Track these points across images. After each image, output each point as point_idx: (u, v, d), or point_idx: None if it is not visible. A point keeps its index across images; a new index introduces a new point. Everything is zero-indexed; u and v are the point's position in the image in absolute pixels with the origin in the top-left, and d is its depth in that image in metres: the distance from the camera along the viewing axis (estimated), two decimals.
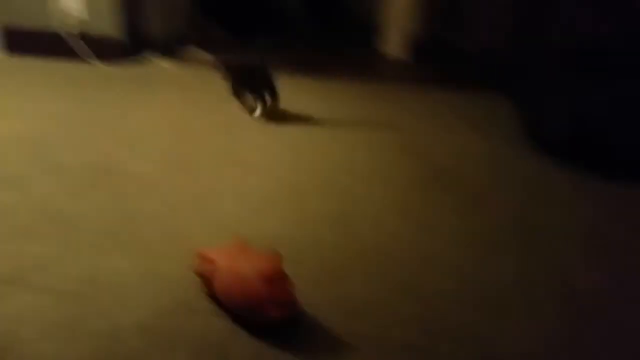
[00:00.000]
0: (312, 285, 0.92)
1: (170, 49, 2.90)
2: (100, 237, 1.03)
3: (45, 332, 0.77)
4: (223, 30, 3.58)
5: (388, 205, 1.25)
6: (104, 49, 2.48)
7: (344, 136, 1.71)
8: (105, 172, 1.32)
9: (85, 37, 2.48)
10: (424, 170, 1.48)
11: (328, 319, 0.84)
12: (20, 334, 0.77)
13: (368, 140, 1.69)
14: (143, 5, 2.65)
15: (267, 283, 0.76)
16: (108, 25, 2.47)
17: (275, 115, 1.85)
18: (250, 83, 1.82)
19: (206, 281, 0.85)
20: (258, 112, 1.83)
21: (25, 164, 1.33)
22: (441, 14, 3.40)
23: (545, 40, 1.64)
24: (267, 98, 1.82)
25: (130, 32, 2.52)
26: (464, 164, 1.55)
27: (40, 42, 2.50)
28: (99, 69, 2.39)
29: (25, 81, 2.10)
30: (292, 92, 2.21)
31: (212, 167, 1.40)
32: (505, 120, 2.00)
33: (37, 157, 1.38)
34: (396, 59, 3.14)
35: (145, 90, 2.11)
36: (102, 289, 0.88)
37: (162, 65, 2.59)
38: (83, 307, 0.83)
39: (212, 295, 0.85)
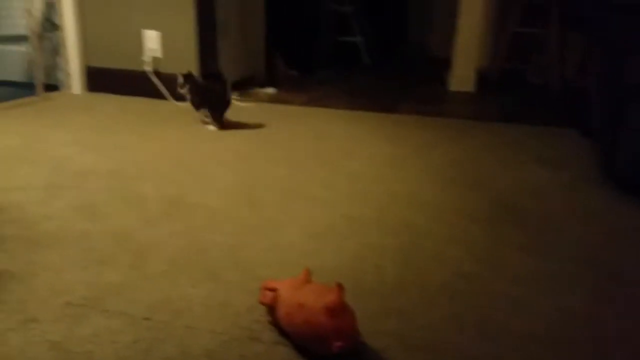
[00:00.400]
0: (374, 318, 0.91)
1: (241, 85, 3.04)
2: (171, 266, 1.08)
3: (119, 355, 0.81)
4: (289, 65, 3.70)
5: (451, 240, 1.23)
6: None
7: (407, 169, 1.71)
8: (176, 203, 1.38)
9: (160, 76, 2.64)
10: (490, 205, 1.44)
11: (389, 352, 0.83)
12: (95, 356, 0.81)
13: (432, 172, 1.68)
14: (216, 46, 2.80)
15: (330, 315, 0.77)
16: (183, 64, 2.62)
17: (228, 125, 2.15)
18: (207, 99, 2.13)
19: (270, 310, 0.87)
20: (211, 127, 2.12)
21: (104, 194, 1.42)
22: (510, 47, 3.36)
23: (618, 74, 1.58)
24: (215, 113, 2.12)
25: (205, 72, 2.66)
26: (532, 199, 1.50)
27: (119, 80, 2.69)
28: (173, 106, 2.54)
29: (105, 117, 2.26)
30: (353, 124, 2.25)
31: (277, 200, 1.44)
32: (577, 154, 1.92)
33: (115, 188, 1.47)
34: (463, 92, 3.12)
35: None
36: (172, 315, 0.91)
37: (234, 103, 2.70)
38: (154, 332, 0.87)
39: (276, 325, 0.86)
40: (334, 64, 4.16)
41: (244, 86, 3.11)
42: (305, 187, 1.53)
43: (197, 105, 2.16)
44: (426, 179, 1.63)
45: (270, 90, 3.07)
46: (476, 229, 1.29)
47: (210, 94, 2.15)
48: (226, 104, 2.16)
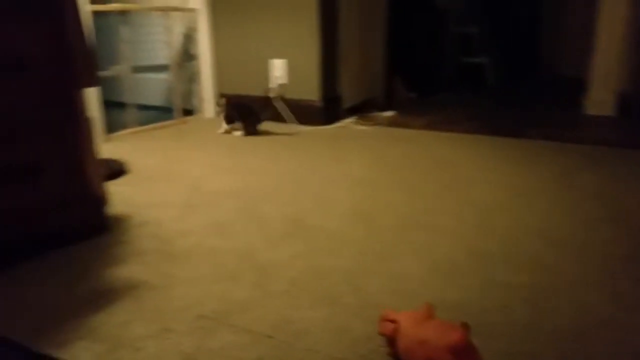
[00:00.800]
0: None
1: (360, 109, 3.09)
2: (292, 286, 1.10)
3: None
4: (408, 88, 3.68)
5: (586, 279, 1.12)
6: (303, 112, 2.74)
7: (538, 199, 1.60)
8: (297, 225, 1.42)
9: (286, 101, 2.77)
10: (629, 240, 1.29)
11: None
12: None
13: (567, 205, 1.55)
14: (338, 72, 2.88)
15: (454, 354, 0.73)
16: (305, 89, 2.73)
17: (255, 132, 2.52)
18: (238, 113, 2.53)
19: (390, 342, 0.85)
20: (238, 133, 2.52)
21: (232, 213, 1.51)
22: None
23: None
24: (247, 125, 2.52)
25: (326, 97, 2.75)
26: None
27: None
28: (298, 130, 2.64)
29: (235, 139, 2.41)
30: (475, 149, 2.16)
31: (396, 226, 1.42)
32: None
33: (242, 207, 1.55)
34: (601, 116, 2.87)
35: (336, 148, 2.25)
36: (293, 336, 0.93)
37: (354, 126, 2.75)
38: (276, 351, 0.89)
39: (395, 357, 0.84)
40: (457, 86, 4.06)
41: (363, 109, 3.15)
42: (426, 215, 1.50)
43: (231, 119, 2.54)
44: (560, 211, 1.51)
45: (389, 114, 3.07)
46: (619, 271, 1.16)
47: (244, 110, 2.54)
48: (258, 120, 2.56)
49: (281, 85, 2.77)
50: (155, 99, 2.99)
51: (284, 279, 1.13)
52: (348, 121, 2.82)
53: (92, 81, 1.46)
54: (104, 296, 1.06)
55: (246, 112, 2.55)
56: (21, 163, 1.18)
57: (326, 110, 2.76)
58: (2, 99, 1.12)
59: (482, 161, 2.04)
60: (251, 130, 2.53)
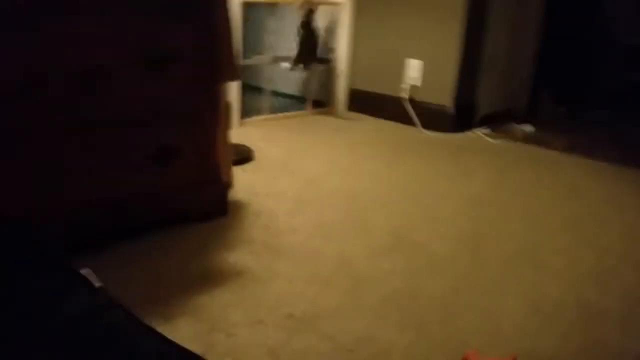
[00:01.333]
0: None
1: (494, 119, 2.94)
2: (383, 303, 1.12)
3: None
4: (557, 101, 3.42)
5: None
6: (432, 116, 2.69)
7: None
8: (401, 238, 1.42)
9: (415, 104, 2.73)
10: None
11: None
12: None
13: None
14: (476, 78, 2.76)
15: None
16: (438, 93, 2.67)
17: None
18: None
19: None
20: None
21: (340, 215, 1.55)
22: None
23: None
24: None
25: (459, 103, 2.66)
26: None
27: (377, 104, 2.88)
28: (423, 135, 2.60)
29: (357, 138, 2.44)
30: (619, 184, 1.96)
31: (505, 257, 1.35)
32: None
33: (351, 211, 1.59)
34: None
35: (459, 161, 2.19)
36: (373, 355, 0.95)
37: (485, 138, 2.64)
38: None
39: None
40: (614, 104, 3.68)
41: (499, 120, 2.99)
42: (540, 250, 1.41)
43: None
44: None
45: (527, 128, 2.88)
46: None
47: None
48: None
49: (413, 87, 2.73)
50: (290, 88, 3.13)
51: (376, 293, 1.15)
52: (480, 131, 2.71)
53: (234, 76, 1.58)
54: (212, 278, 1.17)
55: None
56: (163, 145, 1.32)
57: (457, 117, 2.67)
58: (152, 88, 1.26)
59: (622, 199, 1.84)
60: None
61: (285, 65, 2.62)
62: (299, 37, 2.56)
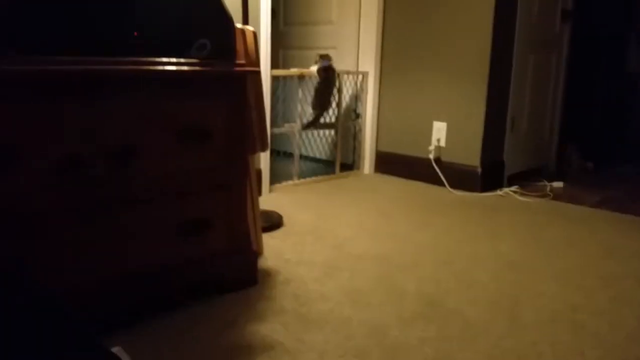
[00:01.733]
0: None
1: (526, 177, 2.93)
2: None
3: None
4: (584, 157, 3.40)
5: None
6: (460, 176, 2.70)
7: None
8: (433, 305, 1.40)
9: (441, 164, 2.75)
10: None
11: None
12: None
13: None
14: (503, 138, 2.78)
15: None
16: (465, 154, 2.69)
17: None
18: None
19: None
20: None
21: (371, 281, 1.54)
22: None
23: None
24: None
25: (486, 163, 2.67)
26: None
27: (403, 165, 2.91)
28: (450, 195, 2.60)
29: (387, 200, 2.46)
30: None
31: (542, 322, 1.31)
32: None
33: (381, 276, 1.58)
34: None
35: (490, 221, 2.17)
36: None
37: (515, 197, 2.62)
38: None
39: None
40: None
41: (530, 178, 2.98)
42: (577, 313, 1.36)
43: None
44: None
45: (557, 185, 2.86)
46: None
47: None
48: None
49: (440, 148, 2.76)
50: (319, 153, 3.21)
51: None
52: (509, 190, 2.69)
53: (264, 146, 1.64)
54: (243, 353, 1.16)
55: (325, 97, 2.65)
56: (194, 218, 1.36)
57: (485, 176, 2.67)
58: (186, 163, 1.31)
59: None
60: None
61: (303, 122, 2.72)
62: (315, 90, 2.67)
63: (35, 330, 0.93)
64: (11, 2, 1.03)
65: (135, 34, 1.20)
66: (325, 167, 3.09)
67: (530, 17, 2.80)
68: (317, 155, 3.22)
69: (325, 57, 2.66)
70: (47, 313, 1.02)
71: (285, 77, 2.74)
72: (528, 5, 2.75)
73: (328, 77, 2.67)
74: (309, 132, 2.89)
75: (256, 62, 1.58)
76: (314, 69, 2.65)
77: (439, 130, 2.76)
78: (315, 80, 2.66)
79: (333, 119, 2.87)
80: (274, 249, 1.77)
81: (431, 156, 2.76)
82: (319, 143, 3.15)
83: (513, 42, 2.70)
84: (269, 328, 1.26)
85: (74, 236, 1.15)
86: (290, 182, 2.70)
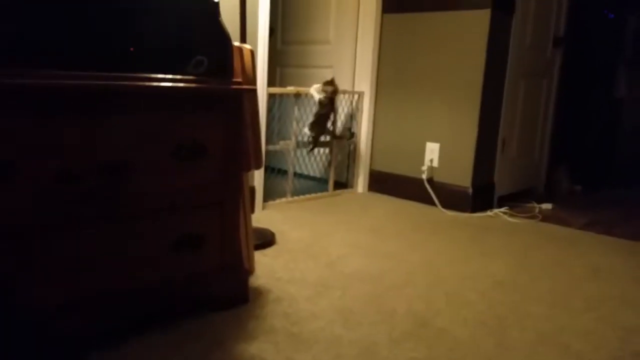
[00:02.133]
0: None
1: (515, 198, 2.97)
2: None
3: None
4: (573, 179, 3.45)
5: None
6: (451, 197, 2.73)
7: None
8: (423, 324, 1.42)
9: (433, 184, 2.79)
10: None
11: None
12: None
13: None
14: (494, 159, 2.83)
15: None
16: (456, 174, 2.73)
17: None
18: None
19: None
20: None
21: (361, 300, 1.56)
22: None
23: None
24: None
25: (477, 184, 2.71)
26: None
27: (396, 184, 2.94)
28: (442, 215, 2.63)
29: (380, 219, 2.48)
30: None
31: (529, 342, 1.33)
32: None
33: (372, 295, 1.60)
34: None
35: (480, 241, 2.20)
36: None
37: (504, 217, 2.66)
38: None
39: None
40: (629, 181, 3.69)
41: (520, 199, 3.02)
42: (564, 334, 1.39)
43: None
44: None
45: (546, 207, 2.90)
46: None
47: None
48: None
49: (432, 168, 2.80)
50: (313, 170, 3.23)
51: None
52: (499, 211, 2.73)
53: (258, 165, 1.67)
54: None
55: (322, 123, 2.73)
56: (187, 234, 1.38)
57: (476, 197, 2.71)
58: (181, 180, 1.33)
59: None
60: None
61: (307, 130, 2.76)
62: (316, 110, 2.71)
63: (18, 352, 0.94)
64: (9, 16, 1.05)
65: (132, 49, 1.22)
66: (318, 185, 3.11)
67: (523, 43, 2.87)
68: (311, 173, 3.25)
69: (329, 84, 2.68)
70: (31, 332, 1.03)
71: (281, 95, 2.78)
72: (521, 31, 2.82)
73: (332, 104, 2.72)
74: (303, 151, 2.91)
75: (253, 81, 1.61)
76: (316, 95, 2.68)
77: (432, 151, 2.80)
78: (313, 102, 2.70)
79: (327, 138, 2.90)
80: (266, 266, 1.78)
81: (424, 176, 2.80)
82: (313, 161, 3.18)
83: (505, 67, 2.76)
84: (259, 347, 1.27)
85: (67, 251, 1.16)
86: (283, 199, 2.73)
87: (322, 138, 2.84)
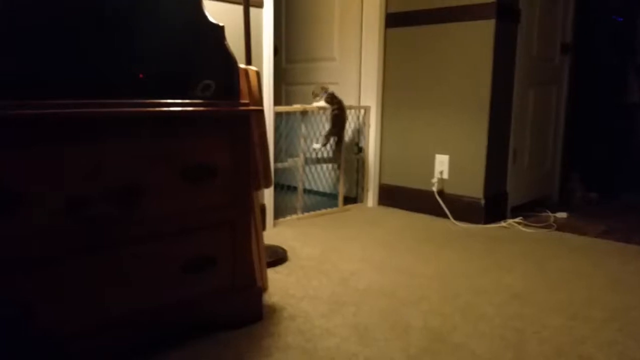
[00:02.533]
0: None
1: (529, 208, 2.93)
2: None
3: None
4: (588, 187, 3.40)
5: None
6: (463, 208, 2.71)
7: None
8: (439, 340, 1.39)
9: (444, 196, 2.77)
10: None
11: None
12: None
13: None
14: (505, 170, 2.80)
15: None
16: (467, 186, 2.70)
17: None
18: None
19: None
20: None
21: (376, 316, 1.54)
22: None
23: None
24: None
25: (489, 194, 2.68)
26: None
27: (406, 197, 2.92)
28: (454, 226, 2.60)
29: (391, 233, 2.46)
30: None
31: (548, 356, 1.30)
32: None
33: (387, 311, 1.57)
34: None
35: (494, 253, 2.17)
36: None
37: (519, 228, 2.62)
38: None
39: None
40: None
41: (534, 209, 2.99)
42: (584, 346, 1.35)
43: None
44: None
45: (561, 215, 2.86)
46: None
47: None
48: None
49: (443, 180, 2.78)
50: (323, 186, 3.23)
51: None
52: (513, 221, 2.70)
53: (267, 184, 1.67)
54: None
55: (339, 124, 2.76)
56: (199, 255, 1.37)
57: (489, 208, 2.68)
58: (190, 201, 1.34)
59: None
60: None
61: (317, 145, 2.76)
62: (331, 119, 2.75)
63: None
64: (8, 46, 1.06)
65: (141, 76, 1.24)
66: (328, 200, 3.10)
67: (530, 51, 2.86)
68: (321, 189, 3.24)
69: (324, 89, 2.75)
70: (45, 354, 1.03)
71: (288, 113, 2.79)
72: (528, 40, 2.82)
73: (339, 101, 2.76)
74: (312, 167, 2.91)
75: (259, 101, 1.62)
76: (321, 102, 2.71)
77: (442, 163, 2.79)
78: (321, 114, 2.71)
79: (334, 143, 2.92)
80: (279, 284, 1.77)
81: (434, 188, 2.78)
82: (322, 177, 3.18)
83: (513, 77, 2.75)
84: None
85: (78, 278, 1.16)
86: (294, 216, 2.72)
87: (330, 153, 2.85)
